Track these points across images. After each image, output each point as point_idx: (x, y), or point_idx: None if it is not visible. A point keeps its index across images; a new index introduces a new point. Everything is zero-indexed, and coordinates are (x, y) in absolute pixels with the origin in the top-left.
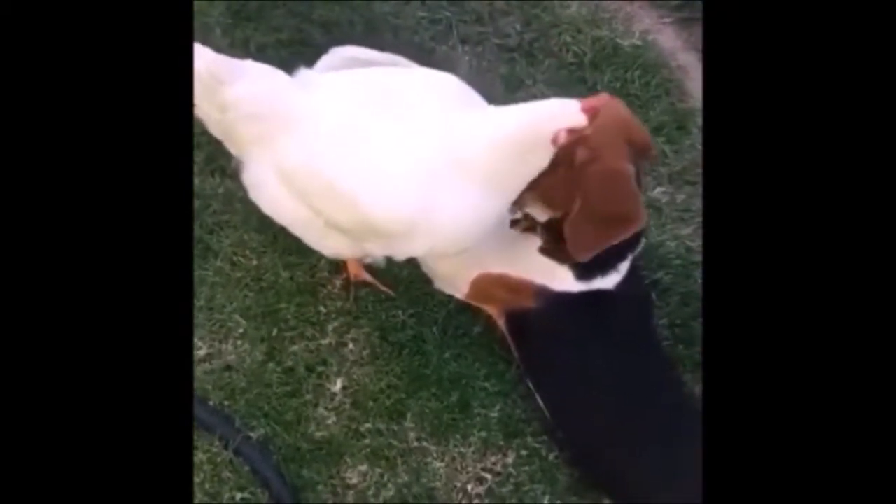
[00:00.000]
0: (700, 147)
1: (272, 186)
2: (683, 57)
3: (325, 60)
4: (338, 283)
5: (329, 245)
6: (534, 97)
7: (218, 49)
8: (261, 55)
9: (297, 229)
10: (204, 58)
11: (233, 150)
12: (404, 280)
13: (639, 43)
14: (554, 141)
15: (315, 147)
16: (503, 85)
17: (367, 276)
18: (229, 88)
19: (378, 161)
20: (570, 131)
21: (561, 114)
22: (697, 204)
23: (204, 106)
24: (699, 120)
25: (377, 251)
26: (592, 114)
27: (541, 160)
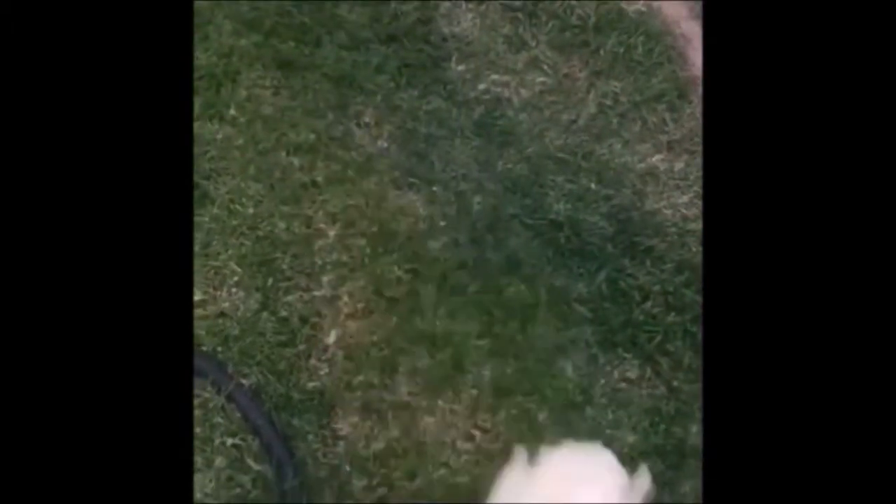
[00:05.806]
0: (700, 116)
1: None
2: (687, 25)
3: None
4: (331, 234)
5: None
6: (536, 59)
7: None
8: None
9: None
10: None
11: None
12: (401, 234)
13: (644, 9)
14: None
15: None
16: (506, 45)
17: None
18: None
19: None
20: None
21: None
22: (695, 173)
23: None
24: (700, 89)
25: None
26: None
27: None
